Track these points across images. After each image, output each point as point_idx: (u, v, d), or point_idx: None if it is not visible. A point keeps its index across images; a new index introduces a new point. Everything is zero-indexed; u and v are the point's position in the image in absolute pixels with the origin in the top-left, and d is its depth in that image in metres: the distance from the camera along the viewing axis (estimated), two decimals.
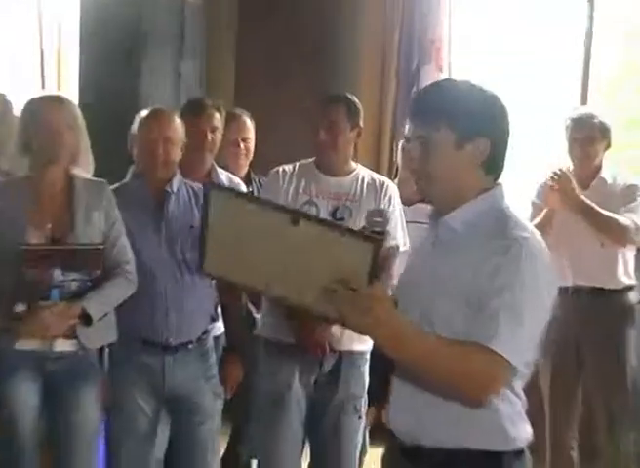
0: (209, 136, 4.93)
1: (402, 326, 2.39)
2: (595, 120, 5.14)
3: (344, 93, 4.55)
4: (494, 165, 2.64)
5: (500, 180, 2.70)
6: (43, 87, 7.21)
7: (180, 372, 4.28)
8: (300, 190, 4.44)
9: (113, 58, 6.04)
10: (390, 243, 4.41)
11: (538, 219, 5.07)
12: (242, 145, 5.33)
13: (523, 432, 2.69)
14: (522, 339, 2.47)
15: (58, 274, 3.89)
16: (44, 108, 4.02)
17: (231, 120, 5.29)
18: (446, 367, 2.48)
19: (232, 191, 2.56)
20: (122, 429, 4.29)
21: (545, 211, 5.06)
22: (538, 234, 2.63)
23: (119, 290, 4.05)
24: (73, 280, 3.93)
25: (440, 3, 6.62)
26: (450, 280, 2.55)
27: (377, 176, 4.58)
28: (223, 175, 5.07)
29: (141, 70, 6.01)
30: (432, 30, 6.62)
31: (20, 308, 3.85)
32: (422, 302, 2.62)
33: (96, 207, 4.03)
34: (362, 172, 4.54)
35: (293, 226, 2.31)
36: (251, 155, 5.37)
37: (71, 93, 6.11)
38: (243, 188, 5.10)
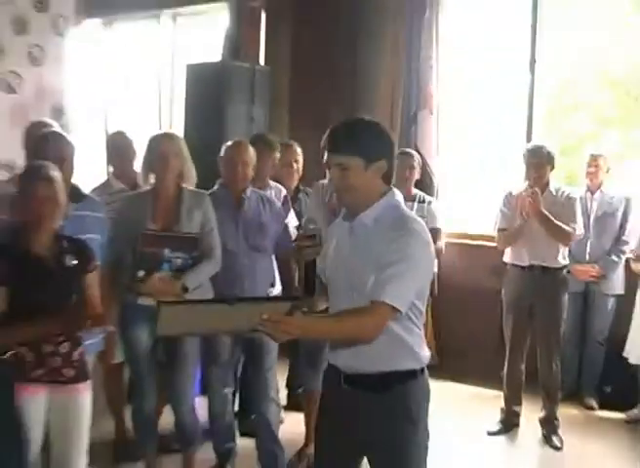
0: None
1: (304, 325, 2.54)
2: (544, 150, 5.18)
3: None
4: (389, 176, 2.74)
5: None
6: (160, 124, 7.26)
7: None
8: (333, 200, 4.33)
9: (207, 106, 6.11)
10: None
11: (515, 227, 5.21)
12: (294, 166, 5.36)
13: (425, 353, 2.79)
14: (404, 291, 2.58)
15: (167, 252, 3.94)
16: (160, 142, 4.14)
17: (287, 148, 5.34)
18: (341, 332, 2.65)
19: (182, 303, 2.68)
20: (209, 355, 4.37)
21: (520, 222, 5.16)
22: (421, 224, 2.70)
23: (209, 268, 4.10)
24: (178, 257, 3.95)
25: (430, 67, 6.68)
26: (365, 260, 2.65)
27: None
28: (273, 185, 5.11)
29: (226, 115, 6.06)
30: (425, 86, 6.66)
31: (140, 274, 3.91)
32: (348, 277, 2.71)
33: (196, 208, 4.12)
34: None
35: (230, 306, 2.43)
36: (300, 173, 5.39)
37: (179, 130, 6.20)
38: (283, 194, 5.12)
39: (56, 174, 3.31)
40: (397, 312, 2.59)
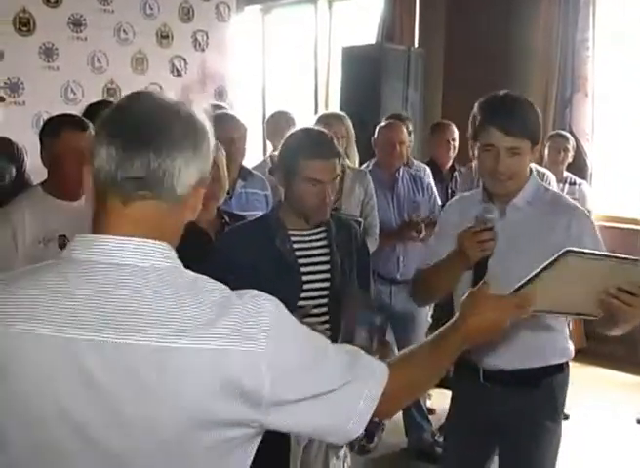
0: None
1: None
2: None
3: None
4: (541, 158, 2.62)
5: None
6: (316, 105, 7.34)
7: (401, 296, 4.36)
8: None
9: (362, 88, 6.15)
10: None
11: None
12: (450, 145, 5.35)
13: (571, 346, 2.66)
14: None
15: None
16: (329, 122, 4.10)
17: (443, 127, 5.40)
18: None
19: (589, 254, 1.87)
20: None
21: None
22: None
23: (371, 245, 3.95)
24: None
25: (587, 48, 6.50)
26: (524, 246, 2.40)
27: (540, 168, 4.52)
28: (416, 163, 5.07)
29: (380, 96, 6.08)
30: (580, 69, 6.47)
31: None
32: (498, 263, 2.37)
33: (358, 186, 4.14)
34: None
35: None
36: (455, 152, 5.38)
37: (334, 109, 6.18)
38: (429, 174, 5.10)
39: (219, 154, 3.39)
40: None
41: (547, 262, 1.82)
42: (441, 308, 5.20)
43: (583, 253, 1.86)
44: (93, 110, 3.41)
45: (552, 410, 2.65)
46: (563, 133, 5.89)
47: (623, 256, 1.95)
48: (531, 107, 2.49)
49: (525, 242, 2.44)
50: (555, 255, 1.81)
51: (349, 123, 4.15)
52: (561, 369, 2.64)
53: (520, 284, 1.79)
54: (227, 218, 3.45)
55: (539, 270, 1.82)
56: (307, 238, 2.75)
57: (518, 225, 2.49)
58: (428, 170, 5.14)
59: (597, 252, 2.01)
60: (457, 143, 5.39)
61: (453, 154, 5.38)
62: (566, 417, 4.96)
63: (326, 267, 2.74)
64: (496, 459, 2.82)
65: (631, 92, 6.71)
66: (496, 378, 2.60)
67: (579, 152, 6.40)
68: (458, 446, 2.85)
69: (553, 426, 2.65)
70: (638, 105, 6.62)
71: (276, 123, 5.15)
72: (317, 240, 2.76)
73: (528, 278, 1.81)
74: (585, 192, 5.70)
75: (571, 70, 6.54)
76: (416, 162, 5.18)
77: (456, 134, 5.38)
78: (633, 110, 6.74)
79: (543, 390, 2.60)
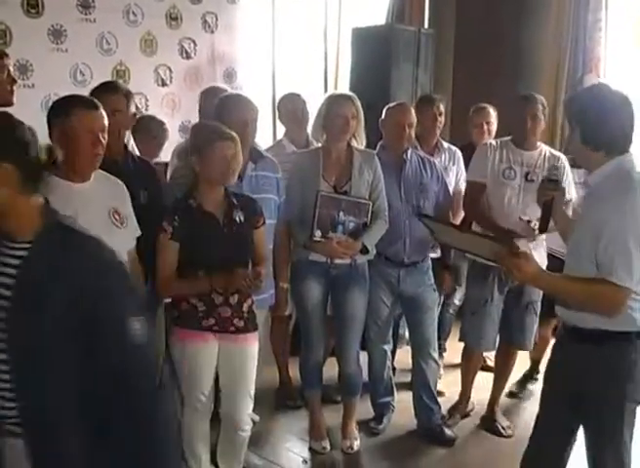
0: (438, 119, 5.02)
1: (536, 273, 2.67)
2: None
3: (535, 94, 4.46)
4: None
5: None
6: (326, 87, 7.30)
7: (410, 280, 4.40)
8: (503, 159, 4.37)
9: (372, 69, 6.11)
10: (567, 197, 4.42)
11: None
12: (485, 127, 5.30)
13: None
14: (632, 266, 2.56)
15: (341, 215, 3.94)
16: (341, 103, 4.06)
17: (479, 110, 5.35)
18: (576, 298, 2.70)
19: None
20: (371, 314, 4.36)
21: None
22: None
23: (381, 228, 4.10)
24: (351, 221, 3.96)
25: (599, 29, 6.44)
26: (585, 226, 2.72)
27: (554, 152, 4.47)
28: (446, 146, 5.12)
29: (390, 77, 6.02)
30: (593, 50, 6.42)
31: (317, 234, 3.91)
32: (573, 240, 2.83)
33: (367, 168, 4.09)
34: (544, 148, 4.45)
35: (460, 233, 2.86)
36: (492, 135, 5.29)
37: (344, 91, 6.17)
38: (457, 156, 5.12)
39: (235, 135, 3.39)
40: (630, 290, 2.59)
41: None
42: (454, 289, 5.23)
43: (431, 219, 2.97)
44: (99, 91, 3.38)
45: (613, 376, 2.74)
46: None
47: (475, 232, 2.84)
48: None
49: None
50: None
51: (359, 104, 4.09)
52: (627, 337, 2.72)
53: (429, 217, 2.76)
54: (235, 200, 3.45)
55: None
56: None
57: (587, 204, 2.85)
58: (459, 153, 5.13)
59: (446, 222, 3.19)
60: (493, 126, 5.35)
61: (489, 136, 5.27)
62: None
63: None
64: None
65: None
66: (571, 334, 2.85)
67: None
68: (548, 401, 3.05)
69: (612, 393, 2.75)
70: None
71: (287, 105, 5.11)
72: None
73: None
74: None
75: (583, 51, 6.49)
76: (446, 144, 5.18)
77: (492, 116, 5.35)
78: None
79: (605, 353, 2.74)
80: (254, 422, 3.84)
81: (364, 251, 4.04)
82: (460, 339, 4.70)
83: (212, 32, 6.71)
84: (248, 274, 3.31)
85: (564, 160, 4.40)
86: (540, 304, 4.53)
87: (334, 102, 4.08)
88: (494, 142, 4.53)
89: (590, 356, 2.76)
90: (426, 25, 7.04)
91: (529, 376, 5.26)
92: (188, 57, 6.55)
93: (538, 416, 3.08)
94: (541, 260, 4.10)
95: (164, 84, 6.32)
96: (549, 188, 3.30)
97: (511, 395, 5.11)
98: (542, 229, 3.60)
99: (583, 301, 2.70)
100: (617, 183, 2.67)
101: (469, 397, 4.84)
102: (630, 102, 2.72)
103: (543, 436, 3.03)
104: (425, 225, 3.41)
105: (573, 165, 4.29)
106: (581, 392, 2.80)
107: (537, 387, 4.87)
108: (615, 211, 2.61)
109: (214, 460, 3.71)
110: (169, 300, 3.53)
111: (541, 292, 4.44)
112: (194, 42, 6.56)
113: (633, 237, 2.58)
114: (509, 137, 4.48)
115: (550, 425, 3.00)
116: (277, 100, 5.47)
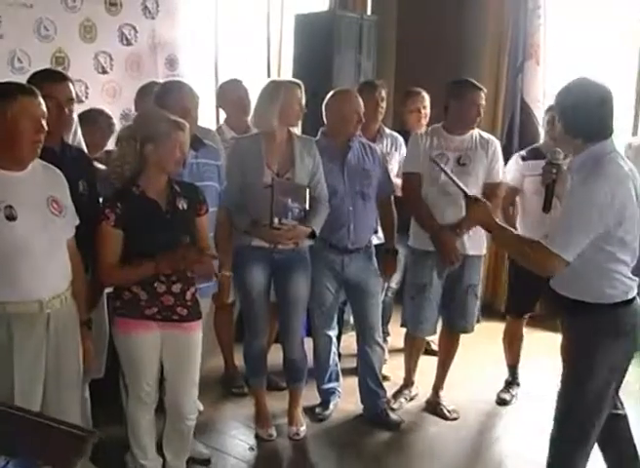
0: (380, 105, 5.03)
1: (490, 220, 3.13)
2: None
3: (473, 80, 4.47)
4: None
5: None
6: (269, 73, 7.26)
7: (354, 266, 4.41)
8: (434, 146, 4.41)
9: (314, 56, 6.12)
10: (500, 179, 4.53)
11: None
12: (422, 112, 5.31)
13: (615, 292, 2.97)
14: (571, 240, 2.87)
15: (290, 201, 3.92)
16: (290, 88, 4.06)
17: (414, 95, 5.36)
18: (517, 252, 3.12)
19: None
20: (315, 301, 4.39)
21: None
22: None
23: (324, 213, 4.12)
24: (296, 207, 3.93)
25: (538, 16, 6.51)
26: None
27: (485, 135, 4.53)
28: (387, 133, 5.14)
29: (333, 63, 6.03)
30: (532, 36, 6.48)
31: (276, 221, 3.87)
32: None
33: (307, 155, 4.10)
34: (475, 131, 4.50)
35: None
36: (427, 119, 5.32)
37: (287, 77, 6.12)
38: (399, 142, 5.13)
39: (186, 123, 3.37)
40: (565, 261, 2.88)
41: None
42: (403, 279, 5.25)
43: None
44: (50, 80, 3.31)
45: (579, 347, 3.06)
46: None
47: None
48: None
49: None
50: None
51: (302, 89, 4.11)
52: (600, 309, 2.99)
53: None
54: (178, 188, 3.43)
55: None
56: None
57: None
58: (400, 139, 5.13)
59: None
60: (428, 111, 5.36)
61: (425, 121, 5.32)
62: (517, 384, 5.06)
63: None
64: None
65: (581, 59, 6.74)
66: (556, 299, 3.12)
67: (530, 119, 6.46)
68: None
69: (580, 363, 3.03)
70: (588, 72, 6.65)
71: (227, 91, 5.08)
72: None
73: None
74: None
75: (523, 38, 6.54)
76: (388, 130, 5.18)
77: (427, 101, 5.36)
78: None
79: (578, 322, 3.06)
80: (199, 411, 3.84)
81: (312, 235, 4.05)
82: (402, 325, 4.74)
83: (152, 18, 6.60)
84: (192, 250, 3.30)
85: (496, 143, 4.53)
86: (479, 288, 4.63)
87: (290, 89, 4.06)
88: (424, 131, 4.58)
89: (567, 322, 3.15)
90: (369, 12, 7.03)
91: (511, 382, 5.09)
92: (129, 43, 6.43)
93: None
94: None
95: (104, 71, 6.19)
96: (551, 171, 3.92)
97: (502, 402, 4.95)
98: (546, 209, 3.83)
99: (518, 256, 3.15)
100: (590, 167, 2.91)
101: (413, 381, 4.89)
102: (610, 96, 2.98)
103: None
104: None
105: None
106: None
107: (522, 390, 4.97)
108: (580, 189, 2.92)
109: (160, 450, 3.68)
110: (110, 290, 3.50)
111: (481, 276, 4.55)
112: (135, 28, 6.44)
113: (583, 219, 2.86)
114: (440, 124, 4.53)
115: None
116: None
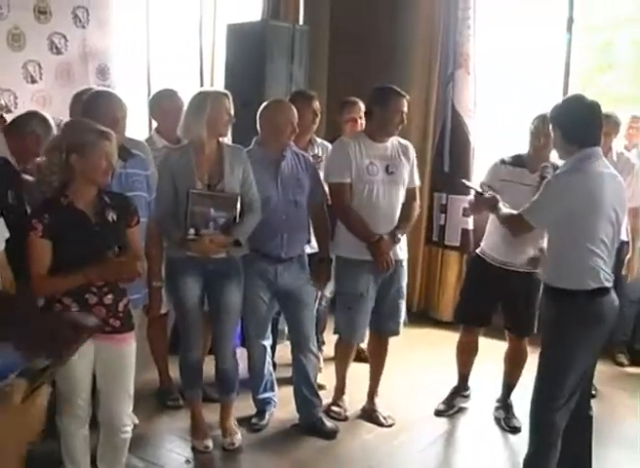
0: (318, 116, 4.99)
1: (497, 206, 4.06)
2: (614, 117, 5.17)
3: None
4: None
5: None
6: (202, 83, 7.23)
7: (287, 275, 4.41)
8: (364, 154, 4.43)
9: (247, 66, 6.07)
10: (415, 184, 4.64)
11: None
12: (358, 122, 5.26)
13: (587, 281, 3.49)
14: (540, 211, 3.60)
15: (212, 211, 3.93)
16: (218, 99, 4.04)
17: (351, 105, 5.35)
18: (506, 221, 4.00)
19: None
20: (249, 311, 4.38)
21: None
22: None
23: (253, 221, 4.10)
24: (221, 217, 3.95)
25: (468, 27, 6.61)
26: None
27: (402, 141, 4.59)
28: (319, 142, 5.14)
29: (266, 72, 6.00)
30: (462, 46, 6.58)
31: (191, 232, 3.89)
32: None
33: (237, 164, 4.08)
34: (393, 139, 4.55)
35: None
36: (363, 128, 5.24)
37: (219, 87, 6.13)
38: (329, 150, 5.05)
39: (113, 133, 3.34)
40: (530, 225, 3.68)
41: None
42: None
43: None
44: None
45: (551, 330, 3.66)
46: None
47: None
48: None
49: None
50: None
51: (231, 99, 4.10)
52: (572, 295, 3.56)
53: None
54: (108, 199, 3.40)
55: None
56: None
57: None
58: (330, 147, 5.03)
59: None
60: (364, 120, 5.26)
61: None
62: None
63: None
64: None
65: (511, 68, 6.89)
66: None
67: (461, 127, 6.56)
68: None
69: (550, 349, 3.62)
70: (517, 81, 6.80)
71: (160, 100, 5.03)
72: None
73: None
74: None
75: (453, 48, 6.65)
76: (319, 139, 5.18)
77: (363, 111, 5.26)
78: (513, 86, 6.93)
79: (551, 307, 3.71)
80: (134, 424, 3.79)
81: (237, 244, 4.03)
82: (335, 332, 4.75)
83: (83, 27, 6.54)
84: (122, 261, 3.29)
85: (412, 147, 4.62)
86: (405, 288, 4.70)
87: (217, 99, 4.04)
88: (346, 139, 4.59)
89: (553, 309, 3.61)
90: (301, 21, 7.05)
91: (457, 392, 5.03)
92: (59, 52, 6.36)
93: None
94: None
95: (33, 80, 6.12)
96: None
97: (439, 413, 4.93)
98: None
99: (506, 223, 4.00)
100: (574, 163, 3.52)
101: (344, 389, 4.90)
102: (599, 109, 3.53)
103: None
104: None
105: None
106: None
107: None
108: (558, 176, 3.60)
109: (94, 464, 3.63)
110: (42, 303, 3.45)
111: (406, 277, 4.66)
112: (65, 37, 6.38)
113: (549, 196, 3.54)
114: (362, 131, 4.58)
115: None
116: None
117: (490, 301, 4.68)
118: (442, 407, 4.95)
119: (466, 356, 4.93)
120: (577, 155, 3.50)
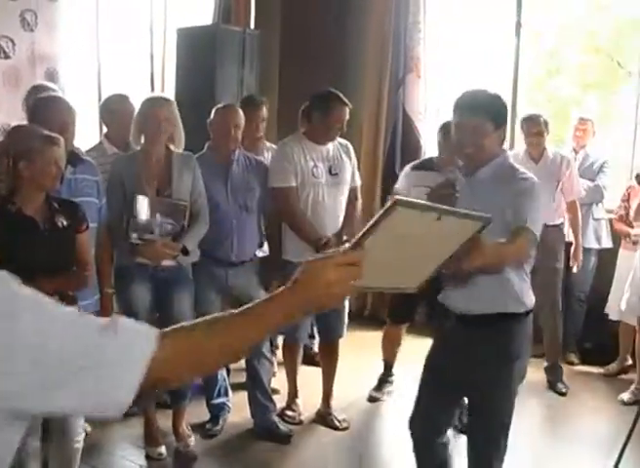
0: (264, 120, 5.01)
1: (489, 251, 2.43)
2: (541, 118, 5.31)
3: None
4: (504, 138, 3.12)
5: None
6: (152, 88, 7.20)
7: (238, 279, 4.42)
8: (307, 157, 4.43)
9: (197, 70, 6.05)
10: (357, 184, 4.70)
11: None
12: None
13: (529, 300, 3.06)
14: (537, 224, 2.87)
15: (158, 217, 3.93)
16: (153, 105, 4.06)
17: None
18: (510, 254, 2.80)
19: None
20: (200, 315, 4.37)
21: None
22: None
23: (201, 229, 4.11)
24: (168, 223, 3.95)
25: (419, 30, 6.67)
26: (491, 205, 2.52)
27: (342, 141, 4.60)
28: (268, 146, 5.11)
29: (216, 78, 5.99)
30: (413, 50, 6.63)
31: (134, 237, 3.89)
32: None
33: (186, 171, 4.09)
34: None
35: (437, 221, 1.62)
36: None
37: (170, 93, 6.13)
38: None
39: (61, 138, 3.30)
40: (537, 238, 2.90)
41: (379, 212, 1.54)
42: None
43: (413, 202, 1.61)
44: None
45: (504, 357, 3.03)
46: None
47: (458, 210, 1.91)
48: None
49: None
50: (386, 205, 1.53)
51: (174, 107, 4.09)
52: (517, 318, 3.04)
53: (357, 237, 1.56)
54: (57, 205, 3.36)
55: (372, 222, 1.54)
56: None
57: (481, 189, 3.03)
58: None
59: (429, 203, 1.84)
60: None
61: None
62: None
63: None
64: None
65: (461, 72, 6.96)
66: (463, 320, 3.05)
67: (412, 131, 6.60)
68: (429, 383, 3.23)
69: (504, 374, 3.03)
70: (467, 85, 6.86)
71: (110, 106, 4.98)
72: None
73: (363, 231, 1.55)
74: None
75: (404, 51, 6.68)
76: (269, 144, 5.16)
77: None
78: (463, 90, 6.99)
79: (499, 335, 3.02)
80: (86, 433, 3.75)
81: (185, 252, 4.02)
82: (280, 332, 4.77)
83: (32, 31, 6.48)
84: (72, 274, 3.27)
85: (351, 146, 4.66)
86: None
87: (149, 105, 4.06)
88: (289, 142, 4.54)
89: (481, 341, 3.01)
90: (252, 26, 7.06)
91: (384, 380, 5.27)
92: (7, 56, 6.29)
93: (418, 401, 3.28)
94: None
95: None
96: (454, 189, 3.73)
97: (373, 400, 5.19)
98: None
99: (508, 259, 2.87)
100: (515, 170, 3.10)
101: (297, 392, 4.91)
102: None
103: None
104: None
105: None
106: (474, 379, 3.04)
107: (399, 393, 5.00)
108: (535, 181, 3.04)
109: None
110: None
111: None
112: (12, 41, 6.31)
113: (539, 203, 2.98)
114: (302, 132, 4.58)
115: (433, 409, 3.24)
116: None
117: (410, 301, 4.78)
118: (378, 394, 5.19)
119: (391, 345, 5.20)
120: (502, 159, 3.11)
